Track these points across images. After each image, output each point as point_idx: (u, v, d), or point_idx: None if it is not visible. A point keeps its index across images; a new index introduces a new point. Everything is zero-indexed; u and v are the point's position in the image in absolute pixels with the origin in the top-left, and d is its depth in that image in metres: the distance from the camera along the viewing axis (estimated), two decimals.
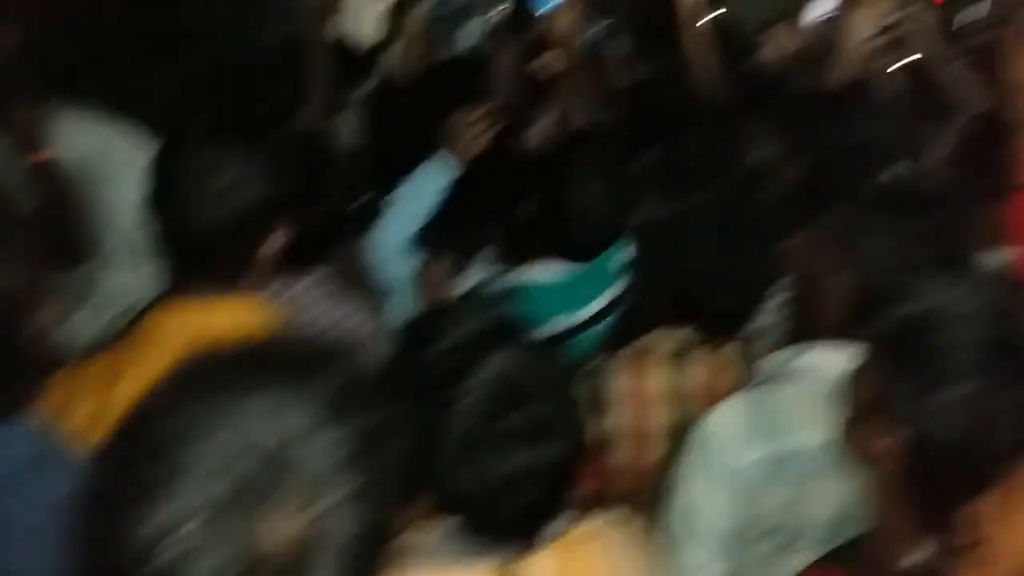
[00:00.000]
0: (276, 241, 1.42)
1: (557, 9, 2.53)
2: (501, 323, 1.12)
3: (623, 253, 2.12)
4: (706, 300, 1.75)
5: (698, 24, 2.93)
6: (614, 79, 3.49)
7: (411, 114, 2.59)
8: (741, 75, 3.39)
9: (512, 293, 2.01)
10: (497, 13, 3.29)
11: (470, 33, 3.84)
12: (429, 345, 1.10)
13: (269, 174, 1.37)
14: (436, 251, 2.11)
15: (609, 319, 2.09)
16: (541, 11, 2.53)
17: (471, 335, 1.09)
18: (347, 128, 2.91)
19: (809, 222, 1.83)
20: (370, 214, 2.22)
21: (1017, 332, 1.02)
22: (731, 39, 3.75)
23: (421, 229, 2.16)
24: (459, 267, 2.23)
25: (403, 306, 2.08)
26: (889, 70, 2.87)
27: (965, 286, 1.05)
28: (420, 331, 1.16)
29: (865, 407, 1.08)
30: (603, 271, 2.08)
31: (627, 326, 2.03)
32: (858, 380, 1.10)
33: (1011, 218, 1.96)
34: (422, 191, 2.18)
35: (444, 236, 2.17)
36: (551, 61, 3.24)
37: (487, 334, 1.09)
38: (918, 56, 2.79)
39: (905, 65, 2.97)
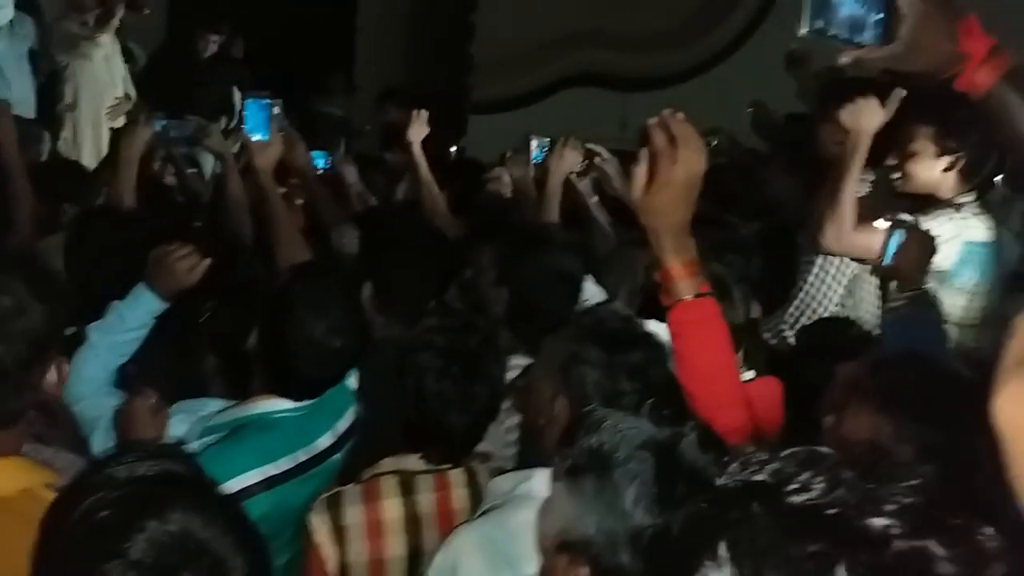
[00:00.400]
0: None
1: (279, 138, 2.53)
2: (181, 474, 1.08)
3: (354, 382, 2.11)
4: (435, 424, 1.78)
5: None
6: (351, 204, 3.60)
7: (125, 241, 2.49)
8: (473, 205, 3.60)
9: (235, 429, 1.93)
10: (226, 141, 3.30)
11: (198, 159, 3.82)
12: (103, 491, 1.04)
13: None
14: (141, 388, 2.00)
15: (343, 450, 2.05)
16: (255, 139, 2.51)
17: (144, 484, 1.03)
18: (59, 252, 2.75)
19: (528, 349, 1.93)
20: (74, 346, 2.08)
21: (684, 466, 1.10)
22: (465, 171, 3.98)
23: (126, 364, 2.06)
24: (167, 404, 2.12)
25: (105, 447, 1.94)
26: (592, 203, 3.19)
27: (645, 421, 1.14)
28: (94, 476, 1.09)
29: (557, 539, 1.12)
30: (335, 402, 2.04)
31: (360, 456, 2.01)
32: (550, 510, 1.15)
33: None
34: (128, 323, 2.09)
35: (152, 371, 2.07)
36: (290, 188, 3.28)
37: (162, 484, 1.04)
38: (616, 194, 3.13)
39: (605, 200, 3.32)
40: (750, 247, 2.57)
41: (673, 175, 1.34)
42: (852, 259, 2.66)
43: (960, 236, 2.44)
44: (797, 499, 0.59)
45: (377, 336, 2.24)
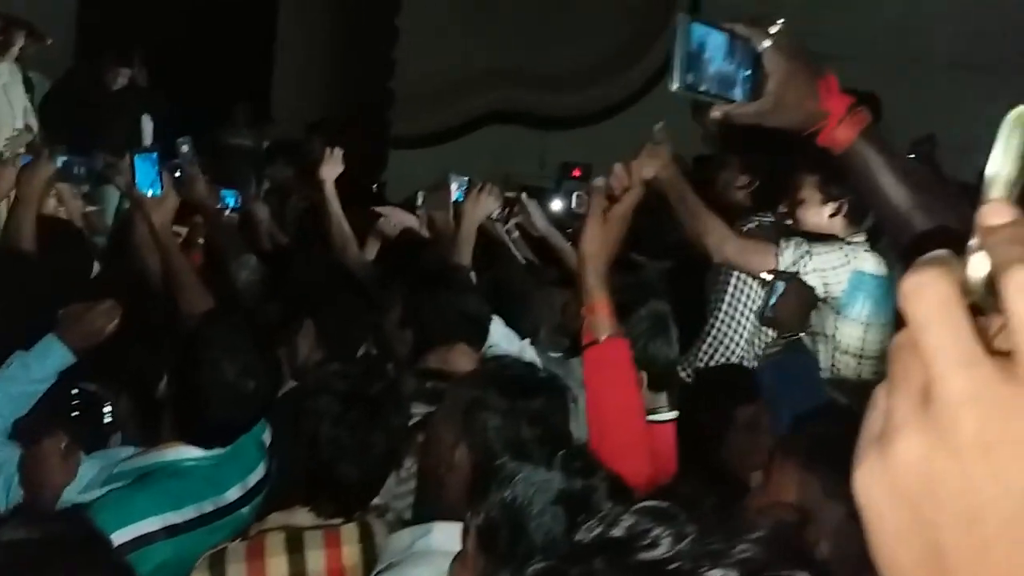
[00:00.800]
0: None
1: (172, 192, 2.50)
2: (69, 537, 1.05)
3: (265, 431, 2.07)
4: (328, 474, 1.73)
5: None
6: (261, 242, 3.55)
7: (23, 285, 2.41)
8: (391, 246, 3.59)
9: (142, 476, 1.87)
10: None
11: (98, 196, 3.72)
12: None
13: None
14: (44, 437, 1.93)
15: (252, 504, 2.00)
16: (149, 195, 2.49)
17: (30, 548, 1.00)
18: None
19: (429, 396, 1.92)
20: None
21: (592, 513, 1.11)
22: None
23: (29, 412, 1.99)
24: (76, 451, 2.06)
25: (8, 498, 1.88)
26: (511, 243, 3.22)
27: (551, 470, 1.15)
28: None
29: None
30: (246, 454, 2.00)
31: (269, 507, 1.96)
32: (463, 567, 1.14)
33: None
34: (33, 375, 2.03)
35: (58, 419, 2.00)
36: (193, 227, 3.22)
37: (54, 544, 1.01)
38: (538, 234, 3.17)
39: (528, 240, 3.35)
40: (656, 289, 2.62)
41: (615, 212, 1.39)
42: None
43: (850, 264, 2.54)
44: (646, 555, 0.59)
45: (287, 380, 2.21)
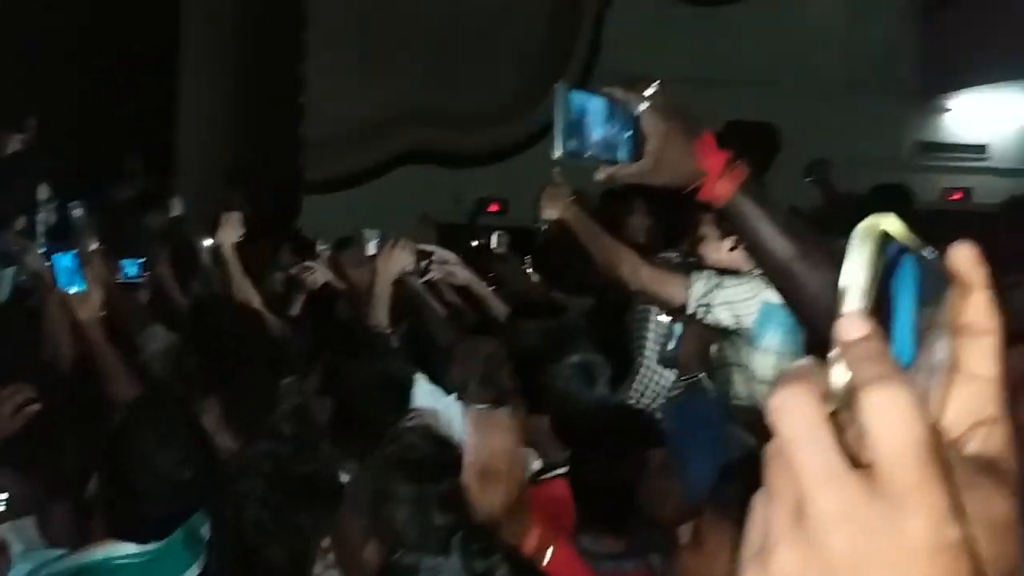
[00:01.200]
0: None
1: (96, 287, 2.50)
2: None
3: (204, 523, 1.96)
4: (262, 560, 1.66)
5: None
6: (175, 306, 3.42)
7: None
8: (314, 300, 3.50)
9: None
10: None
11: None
12: None
13: None
14: None
15: None
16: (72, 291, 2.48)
17: None
18: None
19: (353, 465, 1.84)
20: None
21: None
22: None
23: None
24: (5, 554, 1.93)
25: None
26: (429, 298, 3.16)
27: (449, 556, 1.13)
28: None
29: None
30: (183, 549, 1.89)
31: None
32: None
33: None
34: None
35: None
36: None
37: None
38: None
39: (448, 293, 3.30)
40: (580, 332, 2.60)
41: None
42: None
43: (759, 296, 2.58)
44: None
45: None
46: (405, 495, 1.44)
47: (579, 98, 1.15)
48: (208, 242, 3.66)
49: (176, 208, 4.84)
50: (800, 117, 4.73)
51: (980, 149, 8.97)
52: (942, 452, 0.37)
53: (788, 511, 0.38)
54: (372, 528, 1.44)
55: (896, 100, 8.57)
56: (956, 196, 8.74)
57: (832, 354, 0.39)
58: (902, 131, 8.82)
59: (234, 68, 7.41)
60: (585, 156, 1.15)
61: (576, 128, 1.13)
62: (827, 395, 0.38)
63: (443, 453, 1.52)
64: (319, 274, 3.65)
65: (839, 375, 0.39)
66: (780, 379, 0.39)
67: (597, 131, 1.15)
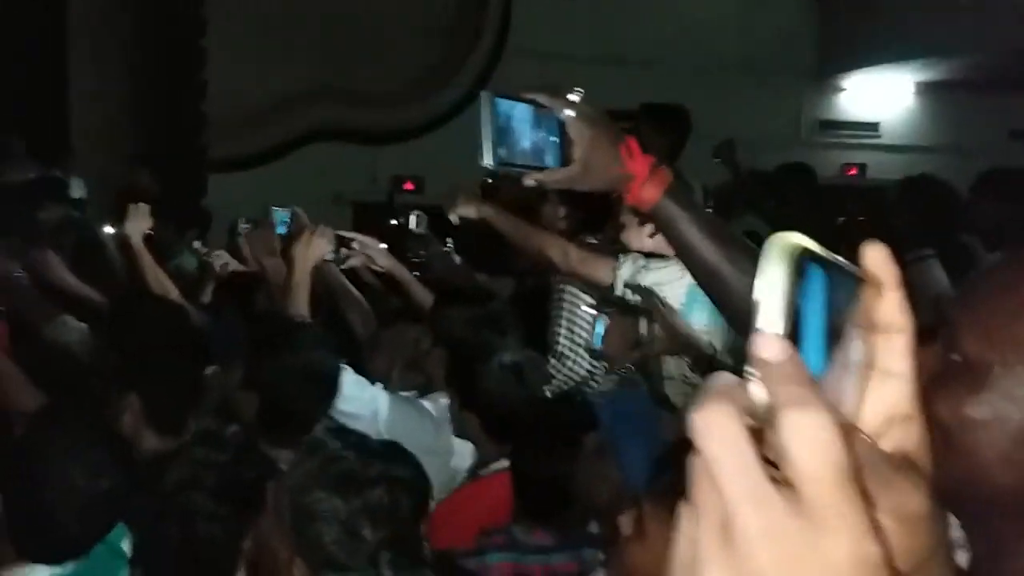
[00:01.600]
0: None
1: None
2: None
3: (124, 537, 1.87)
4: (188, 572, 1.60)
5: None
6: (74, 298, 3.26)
7: None
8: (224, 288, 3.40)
9: None
10: None
11: None
12: None
13: None
14: None
15: None
16: None
17: None
18: None
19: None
20: None
21: None
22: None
23: None
24: None
25: None
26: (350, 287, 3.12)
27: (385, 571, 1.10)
28: None
29: None
30: (103, 563, 1.77)
31: None
32: None
33: None
34: None
35: None
36: None
37: None
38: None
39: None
40: (507, 321, 2.60)
41: None
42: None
43: (685, 278, 2.64)
44: None
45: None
46: (331, 511, 1.35)
47: (504, 105, 1.15)
48: (112, 231, 3.53)
49: (77, 191, 4.62)
50: (701, 97, 4.83)
51: (873, 127, 9.36)
52: (860, 469, 0.39)
53: (715, 528, 0.39)
54: (297, 548, 1.36)
55: (794, 80, 8.86)
56: (852, 171, 9.13)
57: (749, 370, 0.40)
58: (800, 110, 9.13)
59: (131, 43, 7.10)
60: (515, 164, 1.15)
61: (503, 136, 1.14)
62: (748, 410, 0.39)
63: (367, 464, 1.40)
64: (229, 263, 3.57)
65: (758, 391, 0.39)
66: (701, 396, 0.39)
67: (525, 138, 1.16)
